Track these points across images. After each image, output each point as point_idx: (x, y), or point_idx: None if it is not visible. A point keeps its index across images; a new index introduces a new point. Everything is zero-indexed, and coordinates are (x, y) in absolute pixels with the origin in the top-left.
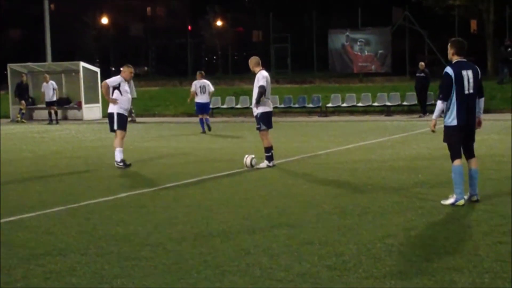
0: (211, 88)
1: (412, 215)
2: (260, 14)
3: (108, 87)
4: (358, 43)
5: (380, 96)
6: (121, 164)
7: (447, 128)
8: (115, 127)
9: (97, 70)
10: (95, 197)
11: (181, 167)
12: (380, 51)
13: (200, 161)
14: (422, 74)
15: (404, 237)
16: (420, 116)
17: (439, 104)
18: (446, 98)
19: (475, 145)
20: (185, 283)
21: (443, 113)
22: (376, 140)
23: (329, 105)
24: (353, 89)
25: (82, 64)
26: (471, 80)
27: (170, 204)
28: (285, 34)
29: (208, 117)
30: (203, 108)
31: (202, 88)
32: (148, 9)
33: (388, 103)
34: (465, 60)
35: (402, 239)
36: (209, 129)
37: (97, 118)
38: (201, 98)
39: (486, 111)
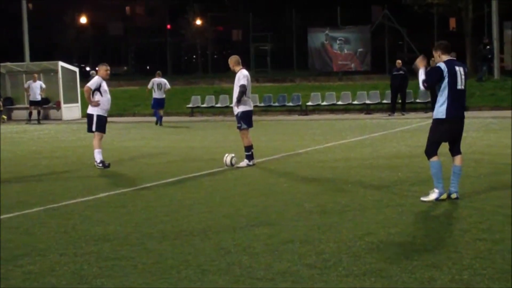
0: (168, 86)
1: (392, 213)
2: (240, 13)
3: (90, 91)
4: (338, 42)
5: (359, 95)
6: (101, 165)
7: (435, 121)
8: (94, 129)
9: (76, 69)
10: (75, 197)
11: (161, 166)
12: (359, 50)
13: (180, 160)
14: (401, 72)
15: (384, 234)
16: (389, 115)
17: (421, 88)
18: (430, 87)
19: None
20: (165, 282)
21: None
22: (356, 139)
23: (309, 103)
24: (333, 87)
25: (61, 63)
26: (463, 77)
27: (150, 204)
28: (265, 33)
29: (162, 113)
30: (159, 103)
31: (159, 86)
32: (128, 8)
33: (368, 101)
34: (454, 58)
35: (382, 237)
36: (160, 124)
37: (76, 118)
38: (158, 94)
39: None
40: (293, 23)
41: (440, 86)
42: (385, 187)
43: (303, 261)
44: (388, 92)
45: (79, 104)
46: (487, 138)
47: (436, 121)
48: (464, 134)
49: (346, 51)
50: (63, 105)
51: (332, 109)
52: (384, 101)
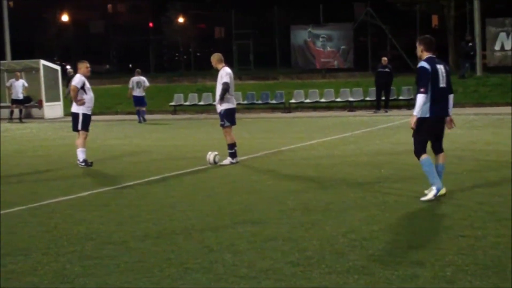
0: (147, 83)
1: (375, 210)
2: (222, 10)
3: (77, 90)
4: (321, 39)
5: (343, 92)
6: (83, 163)
7: (419, 121)
8: (79, 127)
9: (58, 68)
10: (57, 196)
11: (144, 165)
12: (342, 47)
13: (163, 158)
14: (386, 70)
15: (367, 232)
16: (375, 112)
17: (421, 98)
18: (427, 91)
19: None
20: (147, 281)
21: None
22: (339, 136)
23: (292, 101)
24: (316, 85)
25: (42, 62)
26: (444, 75)
27: (132, 202)
28: (247, 31)
29: (144, 109)
30: (139, 101)
31: (138, 84)
32: (109, 6)
33: (351, 99)
34: (434, 56)
35: (365, 234)
36: (144, 120)
37: (58, 117)
38: (138, 92)
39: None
40: (276, 21)
41: None
42: (368, 184)
43: (286, 258)
44: (372, 89)
45: (61, 102)
46: (470, 135)
47: (420, 120)
48: (447, 131)
49: (329, 49)
50: (45, 104)
51: (315, 106)
52: (368, 99)
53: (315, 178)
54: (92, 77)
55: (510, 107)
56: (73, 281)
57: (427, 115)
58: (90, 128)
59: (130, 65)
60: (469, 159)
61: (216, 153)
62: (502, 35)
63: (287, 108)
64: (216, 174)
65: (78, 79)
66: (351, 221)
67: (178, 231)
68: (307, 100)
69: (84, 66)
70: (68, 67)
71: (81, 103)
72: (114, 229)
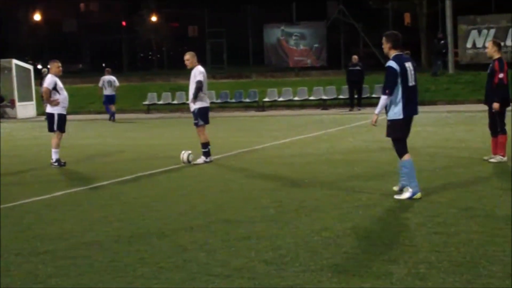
0: (117, 83)
1: (348, 208)
2: (195, 9)
3: (50, 92)
4: (294, 38)
5: (316, 90)
6: (56, 164)
7: (393, 122)
8: (55, 128)
9: (30, 67)
10: (30, 196)
11: (117, 164)
12: (315, 45)
13: (136, 158)
14: (357, 68)
15: (340, 229)
16: (350, 110)
17: (384, 99)
18: (392, 92)
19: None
20: (121, 281)
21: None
22: (312, 134)
23: (266, 99)
24: (289, 83)
25: (15, 61)
26: (412, 72)
27: (106, 202)
28: (220, 29)
29: (114, 109)
30: (110, 100)
31: (109, 83)
32: (82, 5)
33: (324, 97)
34: (402, 53)
35: (338, 232)
36: (113, 119)
37: (31, 116)
38: (108, 91)
39: (421, 103)
40: (249, 19)
41: None
42: (342, 182)
43: (260, 257)
44: (345, 87)
45: (34, 102)
46: (442, 132)
47: (393, 122)
48: (419, 129)
49: (302, 47)
50: (17, 103)
51: (289, 105)
52: (341, 97)
53: (289, 176)
54: (65, 76)
55: (482, 104)
56: (46, 282)
57: (401, 117)
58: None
59: (104, 64)
60: (442, 156)
61: (189, 152)
62: (474, 32)
63: (261, 106)
64: (190, 173)
65: (49, 80)
66: (324, 219)
67: (152, 230)
68: (281, 99)
69: (56, 65)
70: (39, 66)
71: (55, 103)
72: (87, 229)
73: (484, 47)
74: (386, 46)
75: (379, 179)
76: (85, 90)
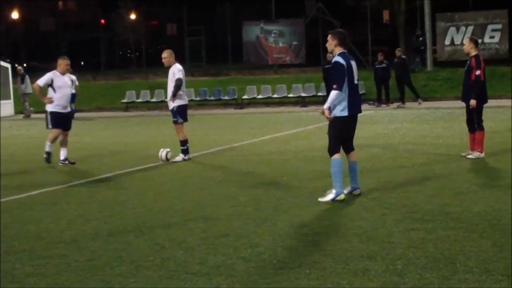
0: (76, 82)
1: (326, 205)
2: (174, 6)
3: (39, 89)
4: (272, 35)
5: (295, 87)
6: (46, 155)
7: (336, 119)
8: (49, 125)
9: (8, 66)
10: (6, 195)
11: (94, 162)
12: (294, 43)
13: (114, 156)
14: (383, 65)
15: (318, 226)
16: (377, 106)
17: (334, 95)
18: (341, 87)
19: (385, 131)
20: (99, 280)
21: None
22: (291, 131)
23: (245, 97)
24: (268, 80)
25: None
26: (356, 71)
27: (83, 200)
28: (199, 27)
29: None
30: (72, 99)
31: (72, 82)
32: (60, 3)
33: (303, 94)
34: (346, 51)
35: (316, 229)
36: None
37: (9, 115)
38: (72, 90)
39: (398, 100)
40: (227, 16)
41: None
42: (320, 179)
43: (238, 254)
44: (323, 85)
45: (11, 100)
46: (420, 129)
47: (336, 119)
48: (398, 125)
49: (281, 44)
50: None
51: (268, 102)
52: (319, 94)
53: (267, 173)
54: (42, 75)
55: (459, 101)
56: (23, 281)
57: (346, 114)
58: (37, 126)
59: (82, 63)
60: (419, 153)
61: (168, 150)
62: (452, 29)
63: (240, 104)
64: (168, 171)
65: (45, 77)
66: (302, 216)
67: (129, 228)
68: (260, 96)
69: (63, 63)
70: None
71: (47, 101)
72: (64, 228)
73: (462, 44)
74: (332, 43)
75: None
76: None
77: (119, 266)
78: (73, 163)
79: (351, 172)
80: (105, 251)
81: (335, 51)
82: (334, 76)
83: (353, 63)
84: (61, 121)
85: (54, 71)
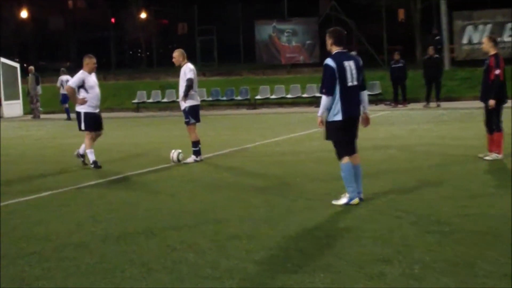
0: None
1: (340, 207)
2: (185, 5)
3: (73, 91)
4: (285, 34)
5: (309, 87)
6: (93, 165)
7: (330, 124)
8: (82, 127)
9: (17, 65)
10: (16, 196)
11: (104, 164)
12: (308, 42)
13: (124, 157)
14: (400, 65)
15: (332, 229)
16: (393, 106)
17: (324, 100)
18: (331, 92)
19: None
20: (109, 282)
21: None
22: (304, 132)
23: (258, 97)
24: (281, 80)
25: (1, 59)
26: (354, 71)
27: (93, 202)
28: (210, 26)
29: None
30: (67, 98)
31: (67, 82)
32: (69, 2)
33: (317, 94)
34: (345, 50)
35: (330, 232)
36: (70, 118)
37: (18, 115)
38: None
39: (416, 100)
40: (239, 16)
41: None
42: (334, 180)
43: (250, 257)
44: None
45: (20, 101)
46: (437, 130)
47: (330, 124)
48: (415, 126)
49: (294, 44)
50: (4, 102)
51: (281, 102)
52: None
53: (280, 175)
54: (51, 74)
55: (478, 101)
56: (32, 284)
57: (340, 118)
58: (49, 126)
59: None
60: (436, 154)
61: (179, 151)
62: (470, 28)
63: (252, 104)
64: (179, 173)
65: (76, 78)
66: (316, 218)
67: (140, 230)
68: (273, 96)
69: (91, 62)
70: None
71: (80, 102)
72: (74, 230)
73: (480, 42)
74: (328, 42)
75: (371, 178)
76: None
77: (129, 268)
78: (96, 165)
79: (354, 176)
80: (115, 254)
81: (332, 51)
82: (322, 79)
83: (350, 63)
84: (94, 122)
85: (82, 71)
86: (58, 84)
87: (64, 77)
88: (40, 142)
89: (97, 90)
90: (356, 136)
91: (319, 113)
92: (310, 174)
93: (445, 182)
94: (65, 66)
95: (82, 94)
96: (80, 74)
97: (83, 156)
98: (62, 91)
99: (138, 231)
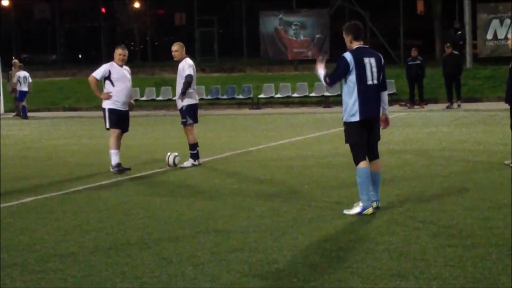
0: (30, 79)
1: (352, 217)
2: None
3: (96, 82)
4: (293, 27)
5: (317, 86)
6: (116, 169)
7: (348, 126)
8: (107, 125)
9: None
10: None
11: (94, 167)
12: (317, 36)
13: None
14: (417, 62)
15: (343, 241)
16: (409, 107)
17: (322, 81)
18: (332, 83)
19: (394, 137)
20: None
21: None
22: (313, 135)
23: (261, 96)
24: (287, 77)
25: None
26: (374, 69)
27: (81, 209)
28: (211, 17)
29: (25, 104)
30: (25, 96)
31: (25, 79)
32: None
33: (326, 94)
34: (366, 46)
35: (341, 244)
36: (26, 117)
37: None
38: (25, 87)
39: (435, 100)
40: (243, 6)
41: (346, 82)
42: (345, 188)
43: (253, 271)
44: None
45: (0, 97)
46: (458, 133)
47: (348, 125)
48: (433, 129)
49: (302, 37)
50: None
51: (287, 102)
52: None
53: (286, 181)
54: (36, 68)
55: (502, 102)
56: None
57: (357, 119)
58: (35, 126)
59: (80, 55)
60: (457, 160)
61: (176, 154)
62: (495, 22)
63: (256, 103)
64: (176, 178)
65: (101, 68)
66: (326, 229)
67: (133, 241)
68: (278, 95)
69: (123, 53)
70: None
71: (104, 97)
72: (60, 239)
73: (506, 38)
74: (347, 39)
75: (386, 185)
76: (59, 84)
77: (121, 282)
78: (128, 169)
79: (373, 183)
80: (105, 266)
81: (352, 47)
82: (334, 69)
83: (370, 59)
84: (121, 120)
85: (111, 62)
86: (15, 80)
87: (22, 73)
88: (23, 143)
89: (125, 84)
90: (377, 139)
91: (321, 74)
92: (319, 180)
93: (467, 191)
94: (50, 59)
95: (107, 87)
96: (107, 65)
97: (120, 165)
98: (22, 87)
99: (130, 241)
